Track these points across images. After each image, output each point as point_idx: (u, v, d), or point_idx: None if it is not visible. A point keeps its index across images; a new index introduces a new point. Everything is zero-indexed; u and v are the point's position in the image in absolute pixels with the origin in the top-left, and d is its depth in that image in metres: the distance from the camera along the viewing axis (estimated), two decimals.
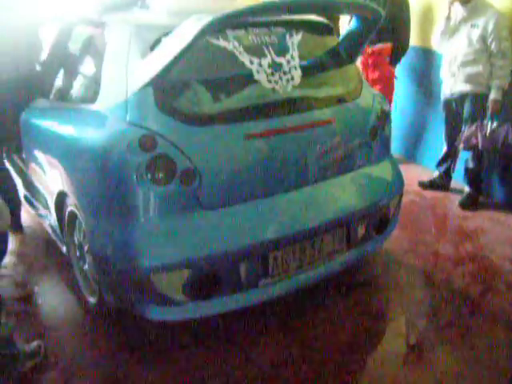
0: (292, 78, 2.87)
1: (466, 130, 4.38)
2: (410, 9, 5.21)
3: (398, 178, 3.42)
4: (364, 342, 2.95)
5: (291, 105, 2.86)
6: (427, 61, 5.31)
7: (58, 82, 3.48)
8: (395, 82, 5.46)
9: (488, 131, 4.25)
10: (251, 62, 2.78)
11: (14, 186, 4.11)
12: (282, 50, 2.91)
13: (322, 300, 3.27)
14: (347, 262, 3.15)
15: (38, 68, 3.81)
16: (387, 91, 5.41)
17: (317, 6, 2.95)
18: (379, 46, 5.28)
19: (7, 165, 4.26)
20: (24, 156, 3.83)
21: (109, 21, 3.02)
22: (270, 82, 2.79)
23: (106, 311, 2.94)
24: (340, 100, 3.10)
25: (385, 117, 3.30)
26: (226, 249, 2.58)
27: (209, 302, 2.67)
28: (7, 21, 3.63)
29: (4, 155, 4.22)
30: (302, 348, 2.87)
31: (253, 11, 2.59)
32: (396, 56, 5.32)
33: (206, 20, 2.39)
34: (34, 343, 2.73)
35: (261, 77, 2.77)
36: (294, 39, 2.99)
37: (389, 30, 5.20)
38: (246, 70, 2.76)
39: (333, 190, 3.03)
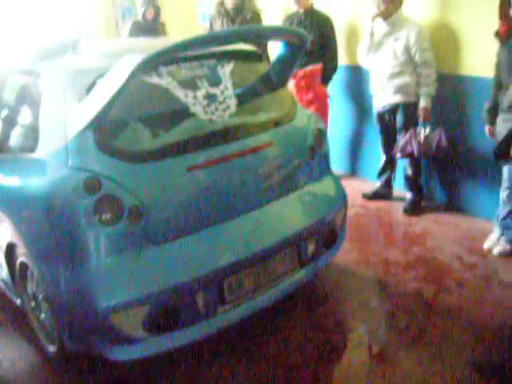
0: (228, 107, 2.95)
1: (401, 139, 4.56)
2: (336, 29, 5.41)
3: (341, 193, 3.52)
4: (327, 355, 3.01)
5: (230, 133, 2.94)
6: (357, 78, 5.51)
7: None
8: (329, 100, 5.63)
9: (422, 138, 4.43)
10: (186, 96, 2.85)
11: None
12: (216, 81, 2.99)
13: (280, 318, 3.33)
14: (301, 280, 3.22)
15: None
16: (322, 110, 5.58)
17: (244, 35, 3.06)
18: (310, 67, 5.46)
19: None
20: None
21: (42, 68, 3.03)
22: (206, 113, 2.86)
23: (67, 357, 2.89)
24: (277, 123, 3.19)
25: (321, 135, 3.41)
26: (180, 280, 2.61)
27: (170, 336, 2.68)
28: None
29: None
30: (265, 365, 2.92)
31: (182, 46, 2.66)
32: (327, 75, 5.50)
33: (137, 59, 2.45)
34: None
35: (197, 109, 2.85)
36: (226, 69, 3.08)
37: (317, 51, 5.40)
38: (181, 104, 2.83)
39: (279, 211, 3.10)
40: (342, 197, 3.52)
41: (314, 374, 2.86)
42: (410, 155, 4.54)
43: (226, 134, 2.92)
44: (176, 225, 2.70)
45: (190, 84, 2.90)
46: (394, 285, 3.66)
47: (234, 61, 3.18)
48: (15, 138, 3.21)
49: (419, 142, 4.43)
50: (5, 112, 3.44)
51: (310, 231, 3.17)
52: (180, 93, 2.84)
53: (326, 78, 5.51)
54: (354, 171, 5.95)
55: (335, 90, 5.70)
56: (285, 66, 3.34)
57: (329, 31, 5.38)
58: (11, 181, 3.00)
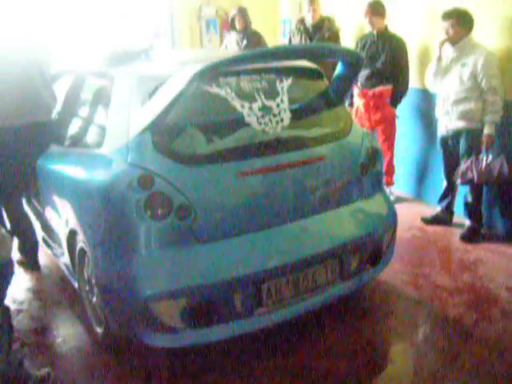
0: (282, 120, 3.10)
1: (463, 165, 4.54)
2: (408, 52, 5.45)
3: (391, 212, 3.58)
4: (362, 369, 3.06)
5: (282, 144, 3.08)
6: (426, 101, 5.52)
7: (71, 129, 3.76)
8: (397, 121, 5.67)
9: (483, 165, 4.41)
10: (242, 106, 3.02)
11: (33, 229, 4.38)
12: (272, 94, 3.15)
13: (320, 328, 3.41)
14: (340, 293, 3.30)
15: (54, 117, 4.11)
16: (389, 131, 5.65)
17: (302, 52, 3.21)
18: (380, 88, 5.53)
19: (27, 209, 4.53)
20: (41, 200, 4.09)
21: (115, 72, 3.30)
22: (260, 123, 3.02)
23: (111, 340, 3.12)
24: (330, 138, 3.30)
25: (375, 153, 3.49)
26: (219, 279, 2.77)
27: (205, 330, 2.85)
28: (26, 66, 3.92)
29: (24, 200, 4.52)
30: (301, 374, 3.01)
31: (240, 59, 2.86)
32: (396, 97, 5.55)
33: (196, 68, 2.65)
34: (44, 370, 2.92)
35: (252, 119, 3.01)
36: (284, 84, 3.24)
37: (389, 73, 5.47)
38: (237, 114, 3.01)
39: (325, 223, 3.21)
40: (391, 216, 3.57)
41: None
42: (470, 182, 4.51)
43: (277, 145, 3.06)
44: (221, 226, 2.87)
45: (247, 95, 3.08)
46: (438, 308, 3.66)
47: (294, 76, 3.32)
48: (86, 134, 3.49)
49: (480, 169, 4.40)
50: (82, 110, 3.75)
51: (354, 246, 3.25)
52: (237, 103, 3.02)
53: (396, 99, 5.56)
54: (417, 194, 5.93)
55: (403, 112, 5.72)
56: (342, 83, 3.46)
57: (401, 53, 5.43)
58: (78, 172, 3.28)
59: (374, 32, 5.54)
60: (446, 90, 4.63)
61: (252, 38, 6.98)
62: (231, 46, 7.12)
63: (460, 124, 4.58)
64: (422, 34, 5.53)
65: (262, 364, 3.09)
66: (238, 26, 7.00)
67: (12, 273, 2.27)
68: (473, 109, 4.47)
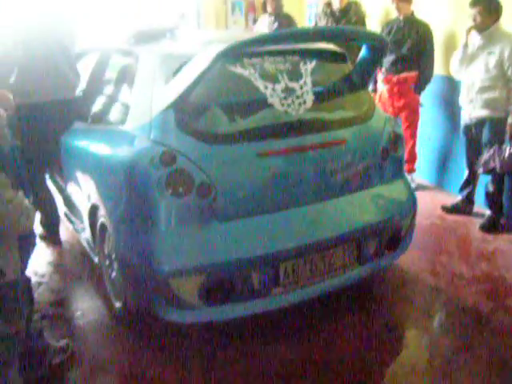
0: (304, 102, 3.10)
1: (485, 154, 4.50)
2: (434, 39, 5.40)
3: (411, 198, 3.56)
4: (376, 353, 3.07)
5: (303, 126, 3.09)
6: (450, 88, 5.46)
7: (95, 106, 3.80)
8: (420, 109, 5.63)
9: (506, 154, 4.36)
10: (265, 87, 3.03)
11: (55, 204, 4.45)
12: (296, 76, 3.15)
13: (335, 310, 3.44)
14: (358, 277, 3.31)
15: (78, 94, 4.16)
16: (412, 118, 5.61)
17: (326, 35, 3.20)
18: (404, 74, 5.50)
19: (50, 184, 4.60)
20: (64, 175, 4.15)
21: (140, 51, 3.33)
22: (282, 105, 3.03)
23: (129, 314, 3.18)
24: (352, 122, 3.30)
25: (397, 139, 3.47)
26: (238, 257, 2.80)
27: (222, 307, 2.88)
28: (50, 45, 4.00)
29: (47, 176, 4.59)
30: (316, 354, 3.04)
31: (264, 39, 2.86)
32: (421, 84, 5.51)
33: (220, 48, 2.66)
34: (63, 341, 2.99)
35: (274, 100, 3.02)
36: (308, 66, 3.23)
37: (414, 59, 5.42)
38: (260, 95, 3.01)
39: (344, 206, 3.21)
40: (411, 202, 3.55)
41: (355, 368, 2.94)
42: (492, 171, 4.47)
43: (299, 127, 3.07)
44: (241, 205, 2.90)
45: (271, 77, 3.08)
46: (454, 296, 3.66)
47: (318, 59, 3.32)
48: (110, 111, 3.53)
49: (503, 159, 4.36)
50: (106, 88, 3.79)
51: (372, 230, 3.26)
52: (260, 84, 3.03)
53: (420, 86, 5.52)
54: (439, 183, 5.90)
55: (427, 98, 5.68)
56: (366, 68, 3.44)
57: (426, 39, 5.38)
58: (102, 149, 3.33)
59: (401, 17, 5.49)
60: (471, 77, 4.58)
61: (283, 20, 6.97)
62: (262, 28, 7.11)
63: (484, 112, 4.54)
64: (447, 20, 5.47)
65: (277, 343, 3.12)
66: (269, 9, 6.99)
67: (34, 244, 2.32)
68: (497, 97, 4.43)
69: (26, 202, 2.10)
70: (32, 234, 2.26)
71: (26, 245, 2.20)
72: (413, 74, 5.49)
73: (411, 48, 5.44)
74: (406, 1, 5.45)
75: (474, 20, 4.43)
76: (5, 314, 2.13)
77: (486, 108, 4.51)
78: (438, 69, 5.52)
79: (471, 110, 4.64)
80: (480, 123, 4.63)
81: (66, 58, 4.11)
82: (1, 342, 2.14)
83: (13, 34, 3.87)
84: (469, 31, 4.53)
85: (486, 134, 4.60)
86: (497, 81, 4.40)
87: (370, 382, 2.88)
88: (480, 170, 4.58)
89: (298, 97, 3.09)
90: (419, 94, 5.58)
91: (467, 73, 4.64)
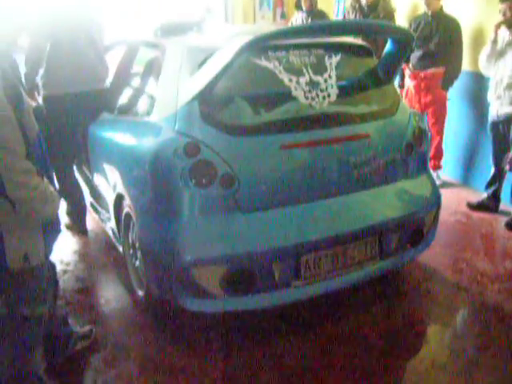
0: (329, 96, 3.11)
1: (511, 151, 4.45)
2: (462, 34, 5.35)
3: (434, 193, 3.54)
4: (396, 348, 3.07)
5: (327, 119, 3.09)
6: (478, 84, 5.40)
7: (122, 97, 3.86)
8: (448, 104, 5.58)
9: None
10: (290, 80, 3.04)
11: (82, 194, 4.53)
12: (320, 70, 3.16)
13: (356, 304, 3.45)
14: (379, 271, 3.30)
15: (105, 85, 4.23)
16: (440, 114, 5.56)
17: (352, 28, 3.20)
18: (432, 70, 5.46)
19: (77, 175, 4.68)
20: (90, 165, 4.22)
21: (167, 43, 3.36)
22: (306, 98, 3.04)
23: (151, 303, 3.23)
24: (376, 116, 3.29)
25: (421, 134, 3.45)
26: (260, 249, 2.82)
27: (243, 298, 2.91)
28: (73, 36, 4.08)
29: (75, 167, 4.67)
30: (335, 346, 3.05)
31: (289, 32, 2.87)
32: (448, 80, 5.46)
33: (244, 40, 2.68)
34: (87, 327, 3.05)
35: (298, 93, 3.03)
36: (333, 60, 3.24)
37: (442, 54, 5.37)
38: (285, 87, 3.03)
39: (366, 200, 3.21)
40: (434, 197, 3.53)
41: (375, 362, 2.94)
42: None
43: (322, 120, 3.08)
44: (264, 197, 2.91)
45: (296, 70, 3.09)
46: (477, 293, 3.63)
47: (343, 53, 3.32)
48: (137, 103, 3.58)
49: None
50: (133, 80, 3.84)
51: (394, 225, 3.25)
52: (285, 77, 3.04)
53: (447, 82, 5.47)
54: (465, 180, 5.84)
55: (454, 94, 5.63)
56: (391, 62, 3.43)
57: (455, 35, 5.32)
58: (128, 139, 3.38)
59: (429, 12, 5.44)
60: (500, 73, 4.53)
61: (317, 16, 6.97)
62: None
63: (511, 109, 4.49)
64: (475, 15, 5.40)
65: (295, 335, 3.14)
66: (304, 5, 6.98)
67: (59, 230, 2.37)
68: None
69: (51, 188, 2.15)
70: (57, 221, 2.31)
71: (50, 231, 2.24)
72: (440, 69, 5.44)
73: (439, 44, 5.38)
74: None
75: (504, 15, 4.38)
76: (28, 298, 2.18)
77: None
78: (466, 64, 5.46)
79: (499, 106, 4.59)
80: (507, 120, 4.57)
81: (94, 50, 4.19)
82: (24, 324, 2.19)
83: (40, 27, 3.95)
84: (498, 26, 4.48)
85: None
86: None
87: (389, 376, 2.88)
88: (507, 168, 4.52)
89: (322, 90, 3.10)
90: (446, 90, 5.52)
91: (495, 68, 4.60)
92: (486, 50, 4.65)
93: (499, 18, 4.44)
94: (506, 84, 4.46)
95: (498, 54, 4.55)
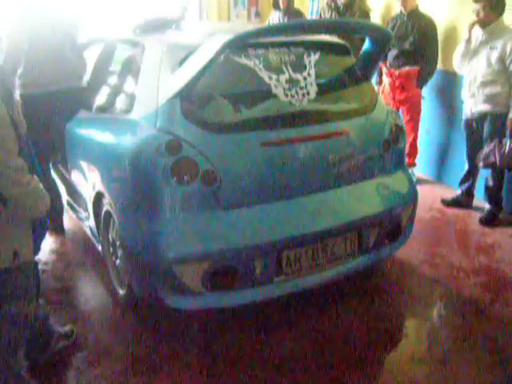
0: (308, 93, 3.14)
1: (485, 148, 4.54)
2: (437, 33, 5.43)
3: (411, 189, 3.60)
4: (376, 343, 3.11)
5: (306, 117, 3.13)
6: (452, 83, 5.50)
7: (100, 95, 3.84)
8: (422, 102, 5.67)
9: (506, 149, 4.40)
10: (270, 78, 3.07)
11: (59, 193, 4.48)
12: (300, 68, 3.19)
13: (335, 300, 3.48)
14: (359, 267, 3.35)
15: (83, 83, 4.20)
16: (414, 112, 5.65)
17: (330, 27, 3.24)
18: (406, 68, 5.54)
19: (53, 173, 4.63)
20: (68, 164, 4.18)
21: (145, 40, 3.36)
22: (286, 95, 3.07)
23: (133, 301, 3.22)
24: (354, 114, 3.33)
25: (398, 131, 3.51)
26: (241, 245, 2.85)
27: (225, 294, 2.93)
28: (50, 35, 4.04)
29: (50, 165, 4.62)
30: (315, 343, 3.09)
31: (269, 30, 2.89)
32: (422, 79, 5.55)
33: (226, 38, 2.69)
34: (68, 327, 3.03)
35: (278, 91, 3.06)
36: (312, 58, 3.27)
37: (416, 53, 5.46)
38: (264, 85, 3.05)
39: (345, 196, 3.25)
40: (411, 193, 3.59)
41: (355, 357, 2.98)
42: (492, 165, 4.51)
43: (302, 118, 3.11)
44: (245, 194, 2.93)
45: (275, 68, 3.12)
46: (453, 288, 3.70)
47: (322, 51, 3.36)
48: (116, 100, 3.56)
49: (503, 153, 4.39)
50: (111, 77, 3.82)
51: (373, 221, 3.30)
52: (264, 75, 3.07)
53: (421, 80, 5.56)
54: (439, 177, 5.93)
55: (428, 92, 5.72)
56: (369, 60, 3.48)
57: (429, 34, 5.41)
58: (107, 137, 3.37)
59: (405, 12, 5.53)
60: (473, 72, 4.62)
61: (294, 16, 7.01)
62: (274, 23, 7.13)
63: (485, 107, 4.57)
64: (449, 14, 5.49)
65: (276, 332, 3.17)
66: (281, 5, 7.01)
67: (46, 227, 2.36)
68: (499, 92, 4.46)
69: (40, 185, 2.14)
70: (45, 218, 2.30)
71: (39, 228, 2.24)
72: (415, 68, 5.53)
73: (414, 43, 5.47)
74: None
75: (478, 15, 4.46)
76: (15, 296, 2.17)
77: (487, 103, 4.55)
78: (440, 63, 5.55)
79: (473, 104, 4.68)
80: (481, 118, 4.66)
81: (72, 47, 4.16)
82: (12, 324, 2.18)
83: (19, 26, 3.92)
84: (472, 26, 4.56)
85: (486, 129, 4.64)
86: (498, 76, 4.43)
87: (369, 371, 2.91)
88: (480, 164, 4.61)
89: (301, 88, 3.13)
90: (421, 88, 5.61)
91: (469, 67, 4.68)
92: (459, 49, 4.73)
93: (473, 17, 4.52)
94: (480, 82, 4.54)
95: (471, 53, 4.63)
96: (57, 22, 4.09)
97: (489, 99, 4.54)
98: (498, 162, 4.43)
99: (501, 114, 4.50)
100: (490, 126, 4.62)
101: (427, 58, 5.48)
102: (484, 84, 4.53)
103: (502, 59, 4.38)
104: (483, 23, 4.48)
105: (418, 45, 5.47)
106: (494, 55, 4.42)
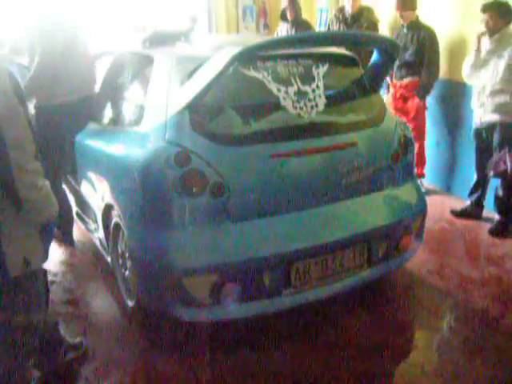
0: (316, 105, 3.15)
1: (495, 157, 4.52)
2: (440, 43, 5.45)
3: (420, 201, 3.59)
4: (385, 354, 3.10)
5: (315, 129, 3.13)
6: (461, 93, 5.48)
7: (109, 107, 3.86)
8: (426, 113, 5.68)
9: None
10: (278, 90, 3.07)
11: (69, 204, 4.50)
12: (308, 80, 3.20)
13: (344, 312, 3.47)
14: (368, 278, 3.34)
15: (93, 95, 4.23)
16: (417, 122, 5.63)
17: (339, 39, 3.25)
18: (409, 79, 5.57)
19: (63, 185, 4.66)
20: (77, 175, 4.20)
21: (155, 53, 3.38)
22: (295, 108, 3.07)
23: (141, 313, 3.22)
24: (363, 125, 3.34)
25: (407, 142, 3.51)
26: (250, 257, 2.85)
27: (234, 307, 2.92)
28: (74, 47, 4.08)
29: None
30: (325, 353, 3.08)
31: (278, 42, 2.91)
32: (423, 89, 5.56)
33: (235, 50, 2.71)
34: (77, 339, 3.03)
35: (287, 103, 3.06)
36: (320, 70, 3.28)
37: (417, 64, 5.50)
38: (273, 97, 3.06)
39: (354, 208, 3.25)
40: (421, 205, 3.58)
41: (364, 369, 2.96)
42: (503, 174, 4.49)
43: (311, 130, 3.11)
44: (254, 206, 2.94)
45: (284, 80, 3.12)
46: (463, 299, 3.68)
47: (330, 63, 3.36)
48: (125, 113, 3.59)
49: None
50: (120, 90, 3.84)
51: (382, 232, 3.29)
52: (273, 87, 3.08)
53: (422, 91, 5.57)
54: (449, 188, 5.90)
55: (435, 103, 5.72)
56: (378, 72, 3.49)
57: (429, 44, 5.42)
58: (117, 149, 3.38)
59: (404, 24, 5.60)
60: (482, 81, 4.61)
61: (301, 27, 7.05)
62: (282, 35, 7.17)
63: (494, 117, 4.56)
64: (455, 24, 5.49)
65: (285, 344, 3.16)
66: (289, 16, 7.05)
67: (54, 234, 2.36)
68: (508, 101, 4.44)
69: (50, 190, 2.16)
70: (53, 224, 2.32)
71: (47, 234, 2.24)
72: (415, 78, 5.55)
73: (414, 54, 5.50)
74: (409, 9, 5.55)
75: (486, 25, 4.46)
76: (26, 305, 2.18)
77: (496, 112, 4.54)
78: (448, 73, 5.56)
79: (482, 113, 4.67)
80: (490, 127, 4.65)
81: (86, 59, 4.20)
82: (20, 332, 2.18)
83: (54, 35, 3.96)
84: (480, 36, 4.56)
85: (496, 138, 4.62)
86: (507, 84, 4.42)
87: (379, 382, 2.90)
88: (491, 174, 4.59)
89: (310, 100, 3.13)
90: (423, 98, 5.61)
91: (478, 77, 4.67)
92: (469, 59, 4.72)
93: (481, 27, 4.52)
94: (489, 92, 4.53)
95: (480, 63, 4.62)
96: (76, 34, 4.14)
97: (498, 109, 4.52)
98: (509, 170, 4.39)
99: (510, 124, 4.49)
100: (499, 136, 4.60)
101: (425, 68, 5.49)
102: (493, 93, 4.52)
103: (509, 67, 4.38)
104: (492, 32, 4.47)
105: (418, 55, 5.49)
106: (502, 64, 4.42)
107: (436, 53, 5.44)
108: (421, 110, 5.61)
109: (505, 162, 4.40)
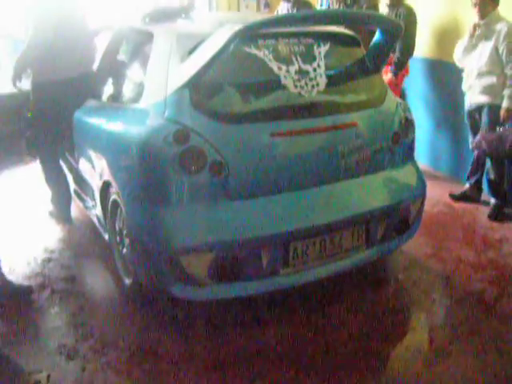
0: (317, 84, 3.12)
1: (478, 136, 4.54)
2: (416, 21, 5.51)
3: (420, 182, 3.58)
4: (381, 337, 3.09)
5: (316, 108, 3.11)
6: (459, 76, 5.45)
7: (108, 84, 3.83)
8: (400, 90, 5.77)
9: (494, 136, 4.37)
10: (279, 69, 3.05)
11: (66, 182, 4.49)
12: (310, 59, 3.17)
13: (341, 293, 3.48)
14: (366, 259, 3.34)
15: (92, 71, 4.19)
16: None
17: (341, 18, 3.22)
18: None
19: (60, 162, 4.63)
20: (75, 152, 4.18)
21: (155, 29, 3.34)
22: (296, 86, 3.05)
23: (138, 291, 3.23)
24: (364, 106, 3.31)
25: (408, 124, 3.49)
26: (248, 236, 2.83)
27: (231, 285, 2.92)
28: (70, 23, 4.03)
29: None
30: (319, 336, 3.08)
31: (280, 20, 2.87)
32: (396, 66, 5.62)
33: (236, 27, 2.67)
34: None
35: (288, 82, 3.04)
36: (322, 49, 3.25)
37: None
38: (274, 76, 3.03)
39: (354, 188, 3.24)
40: (420, 186, 3.57)
41: (360, 350, 2.96)
42: (484, 152, 4.50)
43: (312, 109, 3.09)
44: (253, 185, 2.92)
45: (285, 58, 3.10)
46: (460, 282, 3.69)
47: (332, 43, 3.33)
48: (124, 90, 3.56)
49: (490, 140, 4.37)
50: (120, 66, 3.80)
51: (381, 213, 3.28)
52: (274, 65, 3.05)
53: (395, 67, 5.63)
54: (448, 171, 5.89)
55: (433, 86, 5.72)
56: (379, 52, 3.45)
57: (406, 22, 5.34)
58: (115, 125, 3.36)
59: (388, 2, 5.65)
60: (471, 64, 4.66)
61: (302, 6, 6.97)
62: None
63: (482, 98, 4.61)
64: (447, 7, 5.50)
65: (281, 323, 3.17)
66: None
67: None
68: (495, 83, 4.49)
69: None
70: None
71: None
72: (391, 55, 5.52)
73: None
74: None
75: (476, 8, 4.51)
76: None
77: (484, 94, 4.59)
78: (440, 54, 5.60)
79: (471, 95, 4.72)
80: (479, 109, 4.70)
81: (85, 35, 4.17)
82: None
83: (46, 13, 3.91)
84: (477, 26, 4.57)
85: (483, 119, 4.68)
86: (494, 66, 4.47)
87: (374, 364, 2.90)
88: (475, 152, 4.62)
89: (311, 79, 3.11)
90: (395, 75, 5.66)
91: (468, 59, 4.70)
92: (462, 43, 4.75)
93: (471, 11, 4.56)
94: (477, 74, 4.59)
95: (470, 47, 4.66)
96: (75, 9, 4.08)
97: (485, 90, 4.58)
98: (485, 148, 4.40)
99: (497, 105, 4.53)
100: (486, 117, 4.65)
101: (401, 45, 5.49)
102: (480, 75, 4.57)
103: (495, 48, 4.43)
104: (481, 15, 4.50)
105: None
106: (489, 46, 4.47)
107: (410, 31, 5.44)
108: (393, 86, 5.58)
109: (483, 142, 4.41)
